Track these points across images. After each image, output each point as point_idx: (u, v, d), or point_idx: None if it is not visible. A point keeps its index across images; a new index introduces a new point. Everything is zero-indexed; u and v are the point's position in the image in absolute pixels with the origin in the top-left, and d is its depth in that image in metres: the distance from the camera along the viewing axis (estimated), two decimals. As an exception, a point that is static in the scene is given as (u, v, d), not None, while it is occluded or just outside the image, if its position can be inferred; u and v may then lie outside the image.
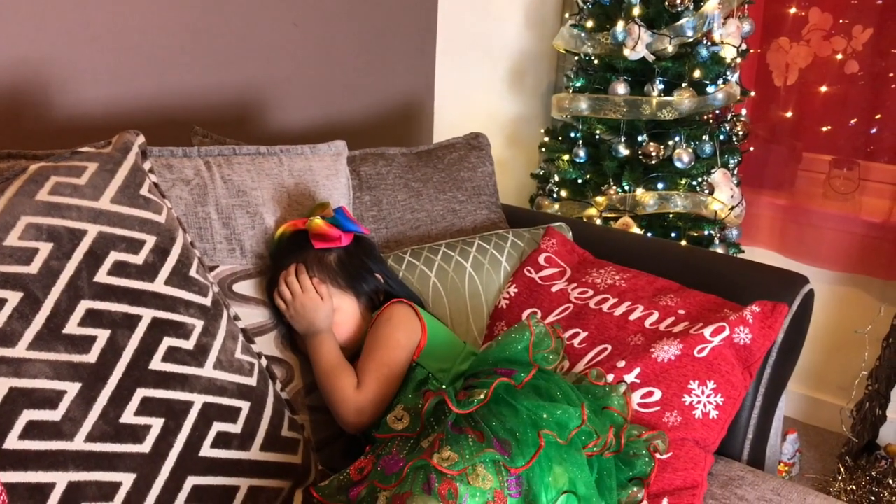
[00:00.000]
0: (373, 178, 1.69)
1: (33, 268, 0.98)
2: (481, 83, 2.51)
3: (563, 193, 2.22)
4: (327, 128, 2.03)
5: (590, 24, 2.11)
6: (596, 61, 2.14)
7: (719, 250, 2.09)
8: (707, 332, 1.33)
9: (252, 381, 1.15)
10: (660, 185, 2.07)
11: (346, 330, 1.31)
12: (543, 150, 2.33)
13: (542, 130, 2.38)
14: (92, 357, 0.98)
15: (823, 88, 2.46)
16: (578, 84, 2.17)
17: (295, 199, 1.41)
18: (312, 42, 1.96)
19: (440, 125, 2.35)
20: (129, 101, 1.64)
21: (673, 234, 2.10)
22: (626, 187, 2.08)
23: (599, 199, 2.11)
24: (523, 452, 1.00)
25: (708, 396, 1.30)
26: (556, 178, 2.24)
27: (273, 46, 1.87)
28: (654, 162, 2.03)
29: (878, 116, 2.41)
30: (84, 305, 1.00)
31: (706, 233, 2.09)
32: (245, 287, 1.31)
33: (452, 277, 1.55)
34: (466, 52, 2.40)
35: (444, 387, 1.16)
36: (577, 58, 2.21)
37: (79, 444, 0.94)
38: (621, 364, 1.30)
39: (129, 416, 0.99)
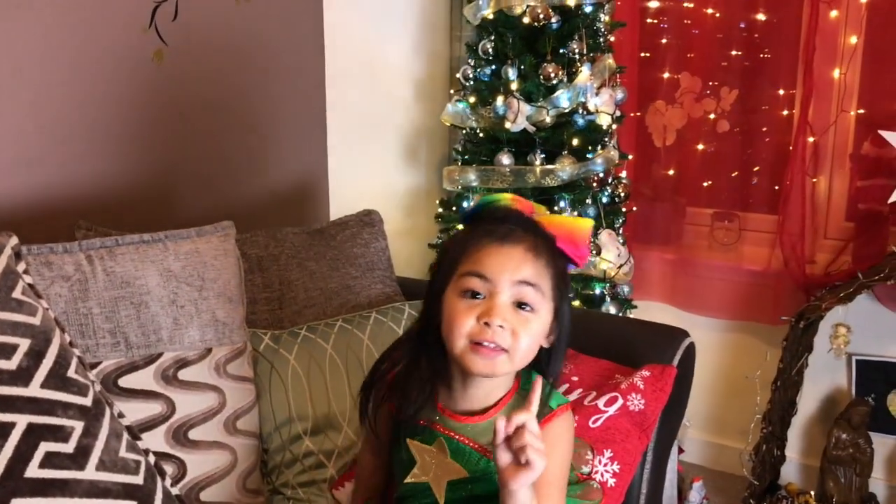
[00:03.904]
0: (264, 259, 1.70)
1: None
2: (376, 158, 2.57)
3: (460, 262, 2.26)
4: (222, 212, 2.03)
5: (472, 99, 2.20)
6: (481, 134, 2.22)
7: (612, 307, 2.17)
8: (601, 402, 1.38)
9: (138, 479, 1.13)
10: (550, 249, 2.14)
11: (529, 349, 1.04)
12: (439, 220, 2.39)
13: (437, 202, 2.44)
14: (-39, 471, 0.95)
15: (700, 147, 2.61)
16: (467, 156, 2.25)
17: (184, 281, 1.39)
18: (200, 127, 1.97)
19: (337, 202, 2.38)
20: (8, 199, 1.61)
21: (567, 295, 2.17)
22: (519, 253, 2.14)
23: (494, 265, 2.16)
24: None
25: (605, 465, 1.33)
26: (453, 247, 2.28)
27: (159, 134, 1.88)
28: (541, 227, 2.10)
29: (756, 169, 2.56)
30: (-48, 417, 0.97)
31: (598, 292, 2.17)
32: (131, 381, 1.29)
33: (350, 350, 1.56)
34: (358, 129, 2.46)
35: None
36: (463, 131, 2.29)
37: (-53, 564, 0.90)
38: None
39: (3, 530, 0.96)
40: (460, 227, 1.13)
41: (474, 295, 1.01)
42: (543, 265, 1.03)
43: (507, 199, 1.08)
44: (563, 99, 2.06)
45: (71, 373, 1.11)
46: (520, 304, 1.02)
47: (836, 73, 2.31)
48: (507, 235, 1.03)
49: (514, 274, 1.01)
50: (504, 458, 0.92)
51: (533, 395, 0.96)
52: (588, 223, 1.09)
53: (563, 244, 1.07)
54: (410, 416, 1.08)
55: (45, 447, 1.03)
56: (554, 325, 1.06)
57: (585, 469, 1.29)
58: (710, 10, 2.51)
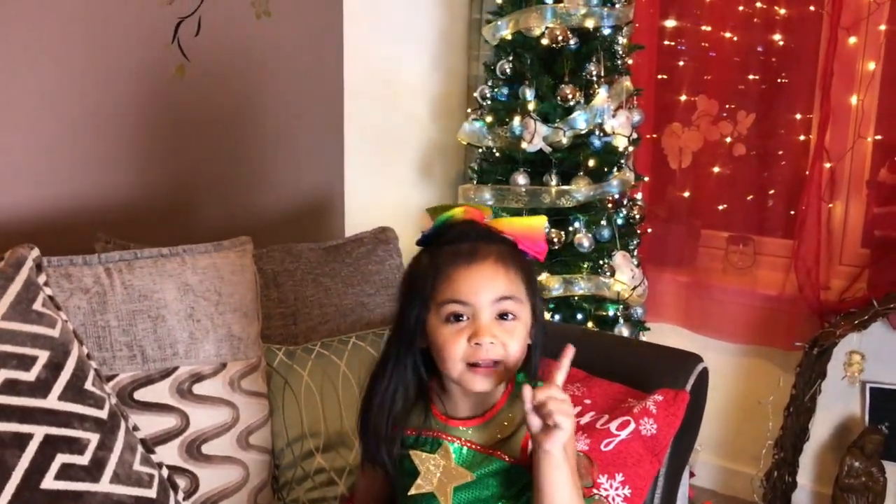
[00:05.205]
0: (280, 274, 1.71)
1: (-84, 392, 0.96)
2: (392, 175, 2.58)
3: (474, 280, 2.27)
4: (239, 225, 2.05)
5: (489, 119, 2.21)
6: (497, 153, 2.23)
7: (624, 329, 2.17)
8: (613, 426, 1.38)
9: (151, 492, 1.14)
10: (563, 269, 2.14)
11: (519, 353, 1.06)
12: (454, 238, 2.39)
13: (452, 219, 2.44)
14: (-22, 481, 0.96)
15: (716, 169, 2.61)
16: (482, 175, 2.26)
17: (201, 296, 1.40)
18: (219, 142, 1.99)
19: (352, 218, 2.40)
20: (29, 211, 1.63)
21: (579, 316, 2.17)
22: (533, 272, 2.15)
23: (508, 284, 2.16)
24: None
25: (616, 489, 1.33)
26: (467, 265, 2.29)
27: (179, 148, 1.90)
28: (556, 247, 2.11)
29: (772, 193, 2.56)
30: (-29, 427, 0.98)
31: (611, 313, 2.17)
32: (147, 394, 1.30)
33: (363, 367, 1.56)
34: (375, 145, 2.47)
35: None
36: (480, 150, 2.30)
37: (-38, 574, 0.91)
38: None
39: (17, 541, 0.97)
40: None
41: (457, 318, 1.04)
42: (514, 273, 1.05)
43: (460, 213, 1.09)
44: (580, 120, 2.06)
45: (88, 385, 1.13)
46: (502, 316, 1.04)
47: (853, 99, 2.31)
48: (473, 254, 1.04)
49: (491, 293, 1.03)
50: (535, 422, 0.98)
51: (556, 370, 0.99)
52: (541, 220, 1.12)
53: (524, 245, 1.09)
54: (412, 431, 1.10)
55: (61, 459, 1.04)
56: (532, 321, 1.08)
57: (588, 482, 1.29)
58: (727, 34, 2.52)
